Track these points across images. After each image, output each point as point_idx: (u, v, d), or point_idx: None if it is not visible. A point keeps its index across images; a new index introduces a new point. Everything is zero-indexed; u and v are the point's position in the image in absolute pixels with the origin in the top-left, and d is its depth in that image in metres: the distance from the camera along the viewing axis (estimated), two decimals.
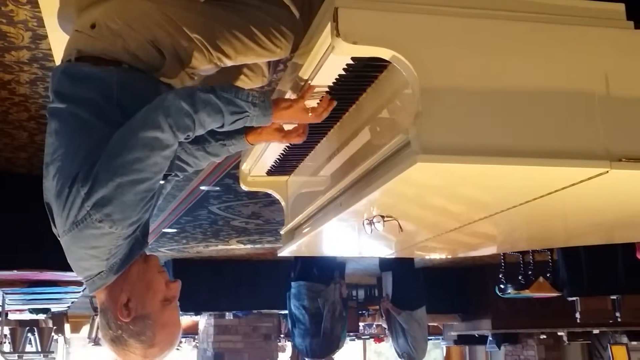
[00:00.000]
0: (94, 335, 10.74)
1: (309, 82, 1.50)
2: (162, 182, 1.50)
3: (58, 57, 1.81)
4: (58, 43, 1.77)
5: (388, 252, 2.68)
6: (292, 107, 1.51)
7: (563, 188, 1.37)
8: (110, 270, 1.46)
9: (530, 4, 1.35)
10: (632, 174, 1.29)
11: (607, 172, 1.26)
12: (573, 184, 1.34)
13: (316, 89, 1.52)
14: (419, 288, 6.05)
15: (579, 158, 1.25)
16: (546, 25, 1.33)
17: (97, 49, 1.54)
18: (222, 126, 1.46)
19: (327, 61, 1.37)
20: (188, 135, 1.43)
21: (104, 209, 1.37)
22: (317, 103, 1.55)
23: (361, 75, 1.49)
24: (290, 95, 1.59)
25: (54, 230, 1.51)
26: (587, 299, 5.98)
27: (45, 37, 2.62)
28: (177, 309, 1.54)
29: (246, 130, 1.70)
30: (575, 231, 2.22)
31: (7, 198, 4.34)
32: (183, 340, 10.58)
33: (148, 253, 1.55)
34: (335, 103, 1.55)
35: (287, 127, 1.68)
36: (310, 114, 1.53)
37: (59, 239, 1.50)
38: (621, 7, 1.39)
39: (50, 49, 2.72)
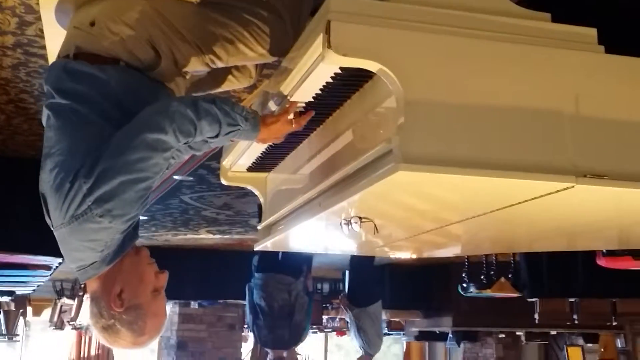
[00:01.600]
0: (55, 319, 10.68)
1: (297, 87, 1.57)
2: None
3: (50, 49, 1.85)
4: (52, 36, 1.81)
5: (358, 250, 2.75)
6: (279, 121, 1.61)
7: (532, 199, 1.45)
8: (103, 261, 1.51)
9: (509, 26, 1.43)
10: (596, 189, 1.38)
11: (573, 186, 1.34)
12: (541, 196, 1.42)
13: (299, 99, 1.61)
14: (374, 285, 6.10)
15: (547, 172, 1.34)
16: (523, 46, 1.41)
17: (95, 46, 1.59)
18: (216, 136, 1.54)
19: (317, 69, 1.44)
20: (187, 141, 1.50)
21: (105, 204, 1.42)
22: (299, 115, 1.64)
23: (347, 83, 1.56)
24: (272, 97, 1.67)
25: (47, 220, 1.55)
26: (546, 300, 6.13)
27: (31, 23, 2.64)
28: (164, 299, 1.61)
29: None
30: (539, 238, 2.32)
31: None
32: None
33: (139, 245, 1.61)
34: (313, 113, 1.65)
35: None
36: (293, 125, 1.63)
37: (52, 229, 1.54)
38: (593, 31, 1.48)
39: (35, 36, 2.74)
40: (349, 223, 1.73)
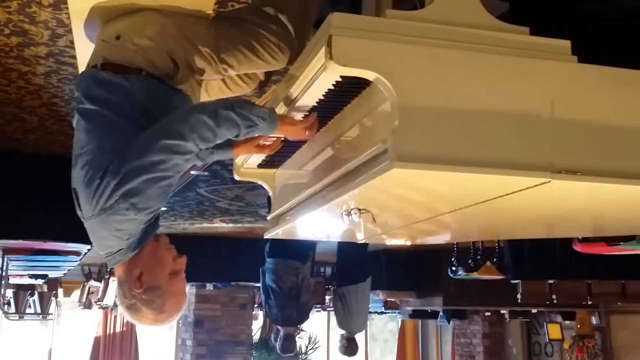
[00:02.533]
0: (84, 299, 10.73)
1: (303, 93, 1.59)
2: None
3: (80, 59, 1.88)
4: (82, 47, 1.84)
5: (360, 238, 2.77)
6: (295, 126, 1.63)
7: (513, 192, 1.47)
8: (128, 248, 1.54)
9: (491, 38, 1.45)
10: (570, 184, 1.40)
11: (550, 181, 1.37)
12: (521, 190, 1.44)
13: (306, 102, 1.62)
14: (345, 269, 5.98)
15: (526, 169, 1.36)
16: (503, 56, 1.43)
17: (120, 57, 1.61)
18: (237, 136, 1.56)
19: (320, 78, 1.46)
20: (207, 145, 1.53)
21: (131, 199, 1.45)
22: (306, 120, 1.67)
23: (347, 90, 1.58)
24: (284, 102, 1.69)
25: (78, 213, 1.58)
26: (528, 282, 6.16)
27: (62, 35, 2.67)
28: (183, 281, 1.63)
29: (233, 143, 1.83)
30: (521, 227, 2.34)
31: (16, 175, 4.37)
32: None
33: (159, 233, 1.63)
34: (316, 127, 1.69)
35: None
36: (307, 134, 1.66)
37: (82, 220, 1.57)
38: (567, 43, 1.50)
39: (65, 46, 2.77)
40: (349, 214, 1.76)
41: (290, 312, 4.89)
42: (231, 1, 2.45)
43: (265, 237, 2.41)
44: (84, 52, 1.78)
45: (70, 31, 2.36)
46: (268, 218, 2.36)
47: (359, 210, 1.72)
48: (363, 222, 1.91)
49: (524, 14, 2.10)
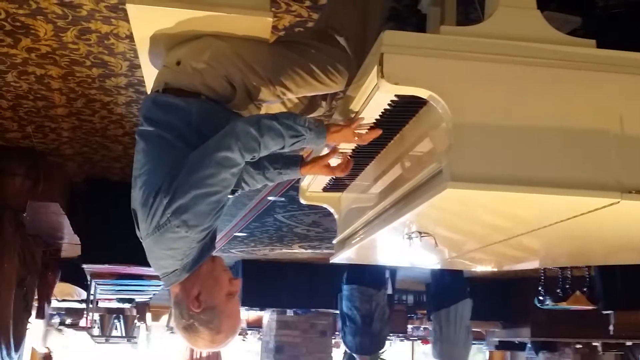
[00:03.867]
0: (171, 323, 11.02)
1: (359, 113, 1.57)
2: (229, 195, 1.59)
3: (148, 85, 1.95)
4: (149, 74, 1.91)
5: (436, 263, 2.69)
6: (342, 131, 1.59)
7: (581, 214, 1.39)
8: (183, 269, 1.55)
9: (554, 52, 1.38)
10: None
11: (619, 202, 1.28)
12: (589, 211, 1.36)
13: (365, 120, 1.59)
14: (437, 294, 5.77)
15: (593, 189, 1.28)
16: (568, 70, 1.37)
17: (180, 82, 1.65)
18: (283, 148, 1.56)
19: (374, 97, 1.44)
20: (254, 156, 1.52)
21: (181, 215, 1.47)
22: (366, 131, 1.62)
23: (404, 109, 1.55)
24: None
25: (137, 233, 1.61)
26: (621, 312, 5.82)
27: (140, 66, 2.77)
28: (238, 303, 1.63)
29: (301, 163, 1.82)
30: (608, 251, 2.20)
31: (103, 202, 4.56)
32: (249, 332, 10.74)
33: (214, 254, 1.64)
34: (380, 132, 1.62)
35: (332, 163, 1.80)
36: (356, 138, 1.61)
37: (141, 240, 1.60)
38: (637, 55, 1.41)
39: (143, 77, 2.87)
40: (410, 237, 1.71)
41: (363, 339, 4.85)
42: (297, 27, 2.48)
43: (330, 261, 2.39)
44: (151, 79, 1.84)
45: None
46: (334, 242, 2.34)
47: (420, 233, 1.68)
48: (427, 246, 1.86)
49: (597, 29, 2.01)
